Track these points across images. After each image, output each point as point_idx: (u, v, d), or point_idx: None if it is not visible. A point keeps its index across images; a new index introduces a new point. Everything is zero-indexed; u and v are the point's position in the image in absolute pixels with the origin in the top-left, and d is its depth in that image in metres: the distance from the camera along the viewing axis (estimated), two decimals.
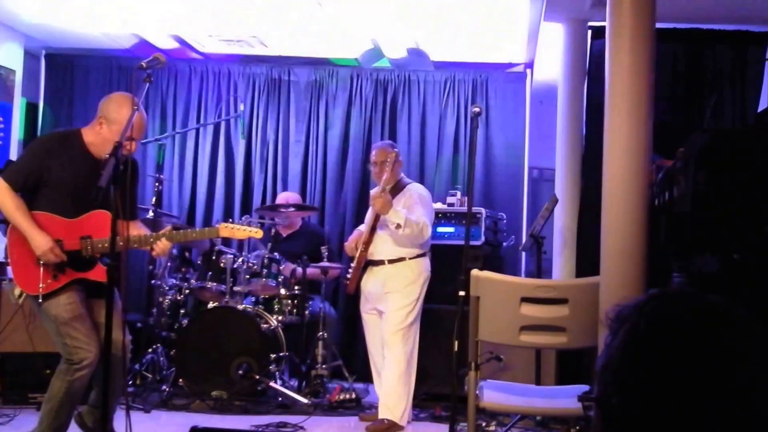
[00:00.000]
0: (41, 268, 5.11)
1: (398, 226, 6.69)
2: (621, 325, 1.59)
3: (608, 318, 1.62)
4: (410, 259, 6.95)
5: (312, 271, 8.15)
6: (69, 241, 5.16)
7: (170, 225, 5.72)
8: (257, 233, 5.81)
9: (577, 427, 6.53)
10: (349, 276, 7.11)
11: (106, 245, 5.00)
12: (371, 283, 7.06)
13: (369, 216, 7.14)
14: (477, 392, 4.93)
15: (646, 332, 1.53)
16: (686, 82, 8.05)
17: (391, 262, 6.95)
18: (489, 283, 4.96)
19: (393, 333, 6.85)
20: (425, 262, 7.07)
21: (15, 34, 9.47)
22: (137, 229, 5.43)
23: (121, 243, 4.85)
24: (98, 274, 5.19)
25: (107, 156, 4.65)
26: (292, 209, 8.28)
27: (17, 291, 5.19)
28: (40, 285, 5.11)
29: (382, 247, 6.96)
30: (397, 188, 7.02)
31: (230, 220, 5.95)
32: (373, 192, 6.87)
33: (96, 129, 5.26)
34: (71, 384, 5.10)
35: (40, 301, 5.11)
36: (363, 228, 7.28)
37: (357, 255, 7.01)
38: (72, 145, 5.26)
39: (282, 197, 9.10)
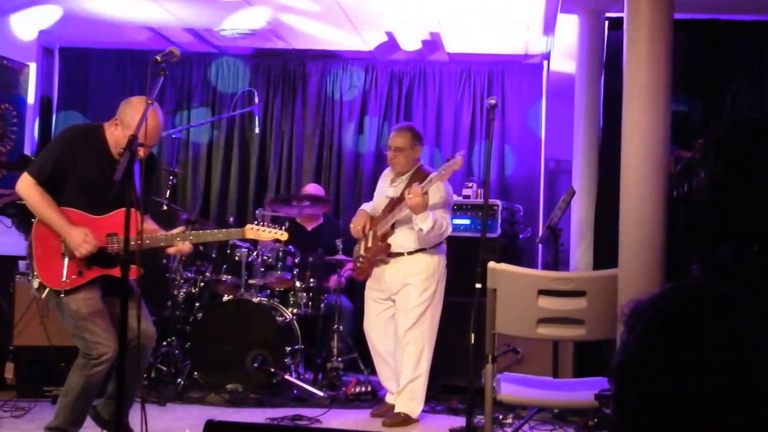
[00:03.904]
0: (66, 263, 5.10)
1: (420, 229, 6.60)
2: (636, 320, 1.58)
3: (624, 314, 1.61)
4: (429, 249, 6.88)
5: (334, 279, 8.23)
6: (95, 237, 5.14)
7: (182, 226, 5.70)
8: (283, 236, 5.80)
9: (595, 420, 6.50)
10: (360, 263, 7.06)
11: (133, 243, 4.92)
12: (389, 272, 6.93)
13: (381, 203, 7.06)
14: (494, 385, 4.89)
15: (661, 327, 1.53)
16: (704, 73, 7.99)
17: (410, 253, 6.86)
18: (506, 275, 4.92)
19: (411, 328, 6.77)
20: (443, 249, 7.00)
21: (29, 29, 9.46)
22: (148, 225, 5.38)
23: (142, 241, 4.86)
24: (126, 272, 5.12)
25: (122, 150, 4.66)
26: (307, 202, 8.25)
27: (36, 284, 5.16)
28: (64, 279, 5.08)
29: (402, 239, 6.84)
30: (417, 175, 6.88)
31: (256, 221, 5.89)
32: (413, 188, 6.52)
33: (111, 129, 5.26)
34: (89, 378, 5.09)
35: (62, 295, 5.09)
36: (367, 207, 7.22)
37: (369, 245, 6.95)
38: (97, 140, 5.26)
39: (305, 190, 9.06)
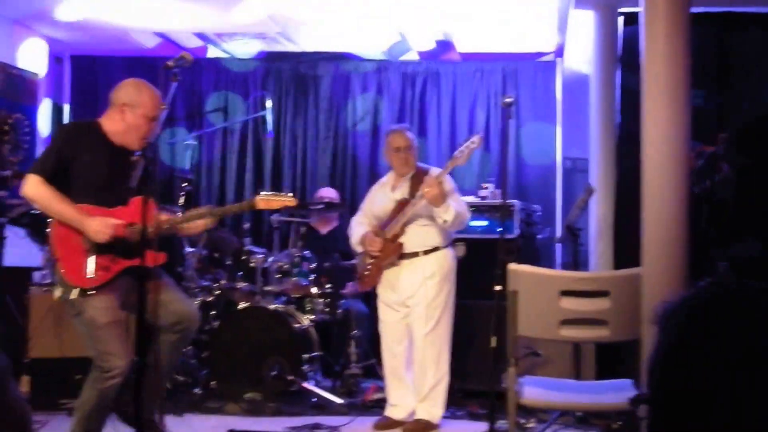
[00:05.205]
0: (90, 259, 5.05)
1: (445, 221, 6.49)
2: (669, 321, 1.56)
3: (656, 315, 1.60)
4: (443, 248, 6.78)
5: (350, 286, 8.17)
6: (114, 220, 5.11)
7: (208, 205, 5.69)
8: (291, 201, 5.73)
9: (619, 423, 6.40)
10: (368, 270, 6.92)
11: (152, 230, 4.98)
12: (405, 274, 6.76)
13: (383, 211, 6.91)
14: (516, 388, 4.82)
15: (695, 327, 1.51)
16: (721, 66, 7.91)
17: (426, 252, 6.73)
18: (527, 276, 4.85)
19: (430, 332, 6.66)
20: (453, 250, 6.93)
21: (40, 38, 9.43)
22: (165, 215, 5.46)
23: (155, 229, 4.96)
24: (147, 259, 5.11)
25: (136, 157, 4.74)
26: (321, 206, 8.19)
27: (58, 292, 5.12)
28: (91, 275, 5.03)
29: (415, 239, 6.72)
30: (418, 174, 6.78)
31: (266, 192, 5.84)
32: (428, 179, 6.45)
33: (117, 118, 5.22)
34: (102, 392, 5.04)
35: (92, 292, 5.03)
36: (362, 226, 7.01)
37: (380, 247, 6.80)
38: (95, 133, 5.23)
39: (320, 194, 9.00)
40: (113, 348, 5.02)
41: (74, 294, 5.06)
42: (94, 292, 5.03)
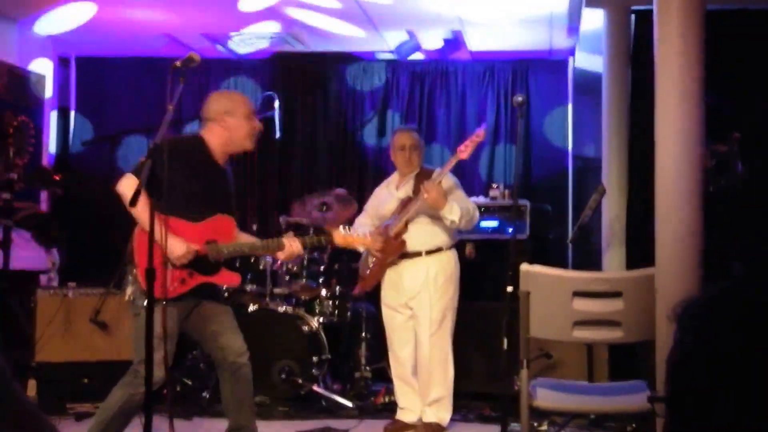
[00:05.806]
0: (169, 272, 5.00)
1: (452, 221, 6.43)
2: (692, 321, 1.52)
3: (676, 314, 1.55)
4: (447, 249, 6.73)
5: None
6: (194, 245, 5.12)
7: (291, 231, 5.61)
8: (370, 243, 5.76)
9: (633, 425, 6.34)
10: (371, 269, 6.86)
11: (233, 249, 5.17)
12: (408, 275, 6.71)
13: (388, 211, 6.89)
14: (529, 391, 4.77)
15: (714, 327, 1.48)
16: (735, 65, 7.83)
17: (428, 253, 6.68)
18: (540, 277, 4.80)
19: (435, 333, 6.62)
20: (456, 252, 6.89)
21: (45, 40, 9.40)
22: (246, 238, 5.46)
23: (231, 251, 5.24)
24: (224, 278, 5.28)
25: (144, 159, 4.61)
26: (333, 205, 8.16)
27: (129, 291, 5.07)
28: (168, 287, 4.97)
29: (418, 238, 6.65)
30: (422, 173, 6.78)
31: (343, 226, 5.60)
32: (427, 184, 6.38)
33: (217, 130, 5.29)
34: (131, 397, 5.02)
35: (164, 303, 4.92)
36: (364, 228, 6.90)
37: (380, 247, 6.70)
38: (196, 150, 5.26)
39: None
40: (158, 357, 4.96)
41: (143, 302, 5.03)
42: (165, 303, 4.98)
